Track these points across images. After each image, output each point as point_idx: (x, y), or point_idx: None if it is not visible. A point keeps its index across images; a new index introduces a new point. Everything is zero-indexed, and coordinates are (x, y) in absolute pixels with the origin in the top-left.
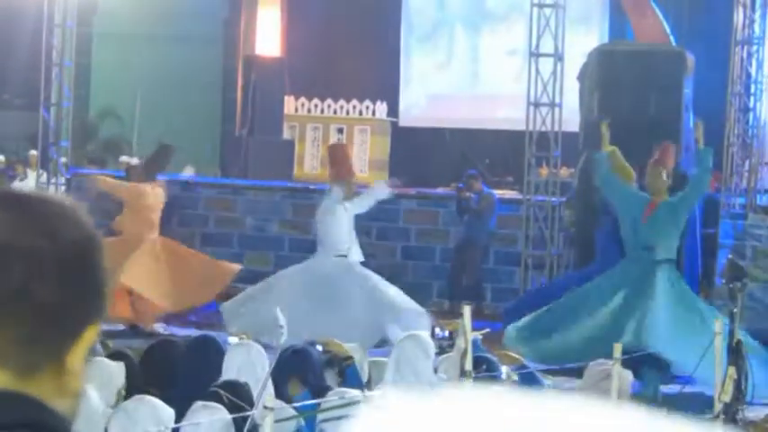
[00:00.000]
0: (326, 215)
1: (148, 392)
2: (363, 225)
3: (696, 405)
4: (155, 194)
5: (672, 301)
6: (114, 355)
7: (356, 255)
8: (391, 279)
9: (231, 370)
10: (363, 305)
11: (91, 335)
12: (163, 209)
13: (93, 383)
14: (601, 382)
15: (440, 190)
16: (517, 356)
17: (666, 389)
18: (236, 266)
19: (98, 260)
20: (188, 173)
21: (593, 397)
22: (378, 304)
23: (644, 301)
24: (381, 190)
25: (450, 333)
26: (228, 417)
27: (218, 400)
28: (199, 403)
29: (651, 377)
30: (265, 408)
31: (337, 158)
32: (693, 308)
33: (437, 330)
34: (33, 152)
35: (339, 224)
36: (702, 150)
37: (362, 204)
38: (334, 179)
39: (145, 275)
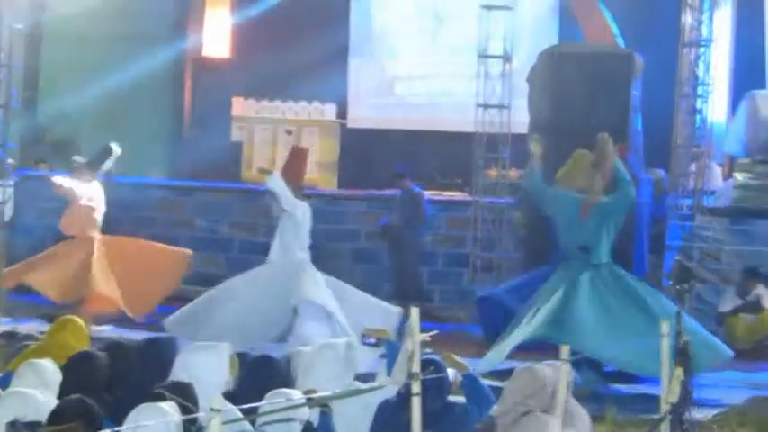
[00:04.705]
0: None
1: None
2: (313, 226)
3: (643, 405)
4: (94, 192)
5: (605, 302)
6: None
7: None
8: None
9: (184, 372)
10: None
11: None
12: (110, 210)
13: (36, 387)
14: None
15: (388, 191)
16: (460, 361)
17: (613, 389)
18: (188, 252)
19: None
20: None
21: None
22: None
23: (574, 302)
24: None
25: (378, 341)
26: (178, 418)
27: (165, 400)
28: (144, 404)
29: (588, 375)
30: (212, 410)
31: (293, 162)
32: (636, 307)
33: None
34: None
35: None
36: (624, 183)
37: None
38: (285, 180)
39: (107, 279)
